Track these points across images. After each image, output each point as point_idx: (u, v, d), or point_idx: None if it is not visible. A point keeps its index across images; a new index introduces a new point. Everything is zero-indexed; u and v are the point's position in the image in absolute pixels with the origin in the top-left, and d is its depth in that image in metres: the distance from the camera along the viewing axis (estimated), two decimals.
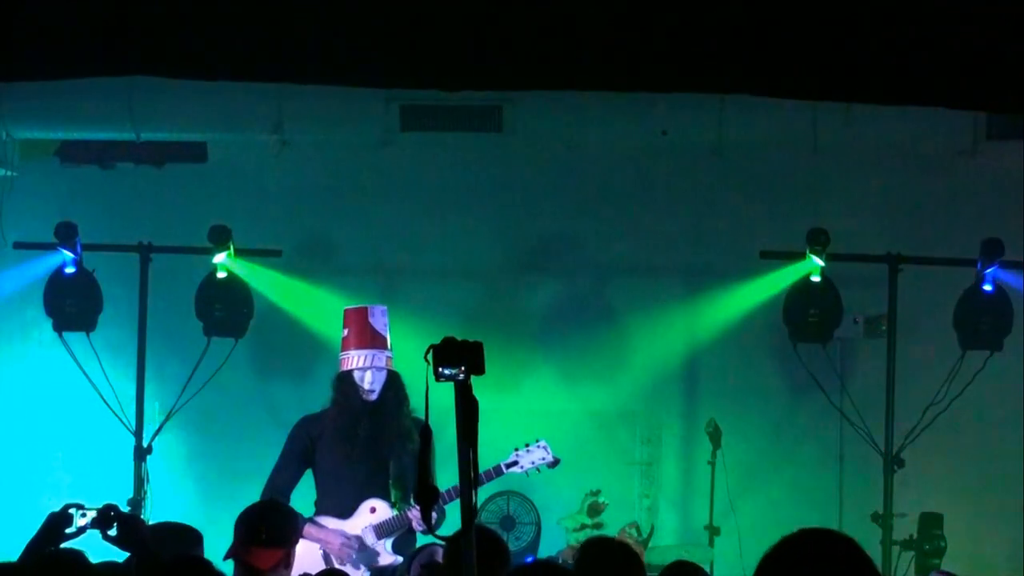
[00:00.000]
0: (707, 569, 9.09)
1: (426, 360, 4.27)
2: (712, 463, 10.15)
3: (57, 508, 5.85)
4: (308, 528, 8.24)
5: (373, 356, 8.43)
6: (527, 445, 8.54)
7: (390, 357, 8.48)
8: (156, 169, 11.06)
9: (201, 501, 10.47)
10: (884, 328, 10.19)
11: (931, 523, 9.68)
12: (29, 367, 10.94)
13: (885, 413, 9.92)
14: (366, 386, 8.43)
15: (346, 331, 8.55)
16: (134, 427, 9.96)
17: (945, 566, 9.23)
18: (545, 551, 9.99)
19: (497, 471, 8.44)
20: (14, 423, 10.95)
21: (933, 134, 10.43)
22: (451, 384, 4.30)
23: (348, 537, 8.31)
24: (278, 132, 10.60)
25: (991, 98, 7.13)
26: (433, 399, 4.40)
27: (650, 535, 10.31)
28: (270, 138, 10.63)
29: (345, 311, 8.64)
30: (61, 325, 9.99)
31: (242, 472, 9.56)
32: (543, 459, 8.54)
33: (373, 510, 8.37)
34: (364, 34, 6.89)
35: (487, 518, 10.02)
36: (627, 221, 10.93)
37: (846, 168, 10.76)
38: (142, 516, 9.37)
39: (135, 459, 9.89)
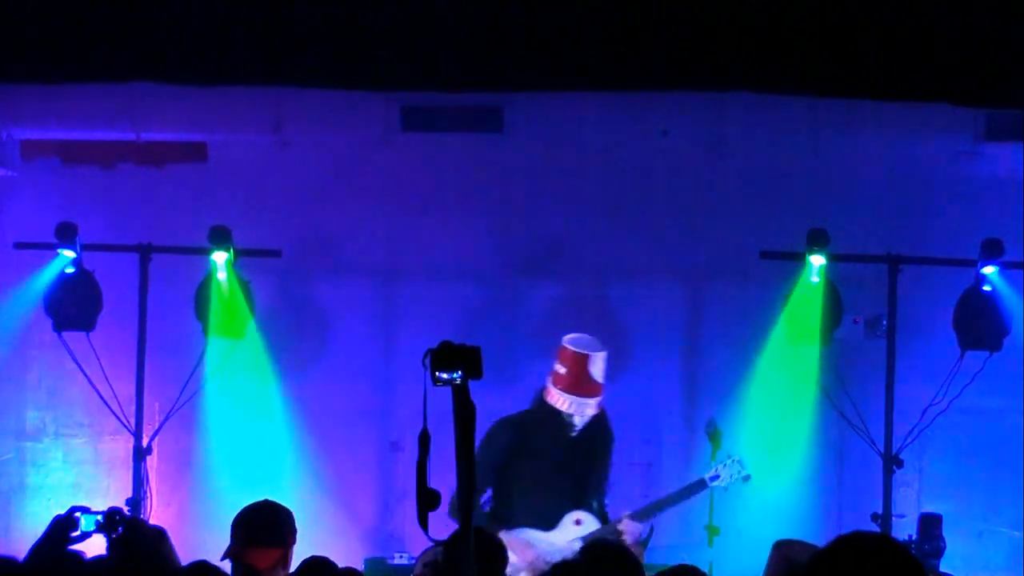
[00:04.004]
0: (707, 570, 9.09)
1: (423, 365, 4.22)
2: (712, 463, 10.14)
3: (63, 511, 5.82)
4: (511, 541, 7.99)
5: (584, 404, 8.47)
6: (730, 458, 8.80)
7: (600, 401, 8.52)
8: (156, 169, 11.04)
9: (200, 501, 10.46)
10: (884, 328, 10.18)
11: (931, 523, 9.66)
12: (29, 367, 10.94)
13: (885, 413, 9.91)
14: (575, 423, 8.49)
15: (562, 369, 8.51)
16: (134, 427, 9.96)
17: (945, 566, 9.22)
18: None
19: (700, 484, 8.60)
20: (13, 423, 10.94)
21: (933, 134, 10.43)
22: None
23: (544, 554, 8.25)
24: (278, 132, 10.60)
25: (992, 94, 7.13)
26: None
27: (650, 535, 10.30)
28: (270, 138, 10.65)
29: (564, 350, 8.57)
30: (61, 325, 9.98)
31: (241, 472, 9.56)
32: (739, 473, 8.79)
33: (578, 522, 8.41)
34: (364, 36, 6.90)
35: None
36: (627, 221, 10.91)
37: (846, 168, 10.75)
38: (141, 516, 9.37)
39: (134, 459, 9.89)
